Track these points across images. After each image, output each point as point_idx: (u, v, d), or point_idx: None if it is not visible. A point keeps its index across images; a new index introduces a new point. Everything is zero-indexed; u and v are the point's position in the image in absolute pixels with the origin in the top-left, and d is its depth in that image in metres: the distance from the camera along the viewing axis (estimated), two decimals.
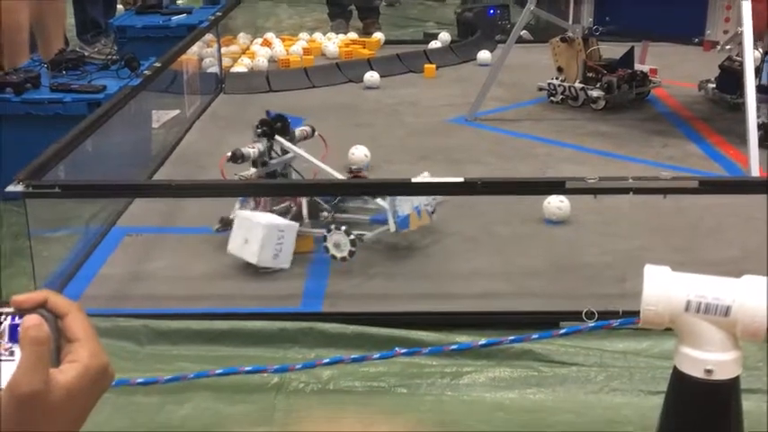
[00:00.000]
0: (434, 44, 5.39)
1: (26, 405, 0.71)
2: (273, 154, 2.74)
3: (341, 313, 2.23)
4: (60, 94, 3.07)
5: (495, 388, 1.92)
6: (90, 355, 0.76)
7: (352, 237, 2.45)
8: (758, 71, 3.50)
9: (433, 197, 2.64)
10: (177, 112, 3.85)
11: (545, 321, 2.16)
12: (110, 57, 3.40)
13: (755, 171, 2.97)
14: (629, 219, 2.71)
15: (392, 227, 2.55)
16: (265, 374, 1.87)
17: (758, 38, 3.45)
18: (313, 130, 2.93)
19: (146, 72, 3.21)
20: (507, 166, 3.38)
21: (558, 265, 2.51)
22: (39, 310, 0.76)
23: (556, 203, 2.78)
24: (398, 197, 2.59)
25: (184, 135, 3.83)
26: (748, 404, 1.49)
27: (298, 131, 2.86)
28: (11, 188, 2.14)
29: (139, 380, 1.84)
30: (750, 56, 3.19)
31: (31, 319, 0.74)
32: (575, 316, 2.13)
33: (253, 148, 2.67)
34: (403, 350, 1.81)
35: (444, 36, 5.54)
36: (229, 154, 2.61)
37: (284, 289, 2.37)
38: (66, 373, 0.74)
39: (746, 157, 3.04)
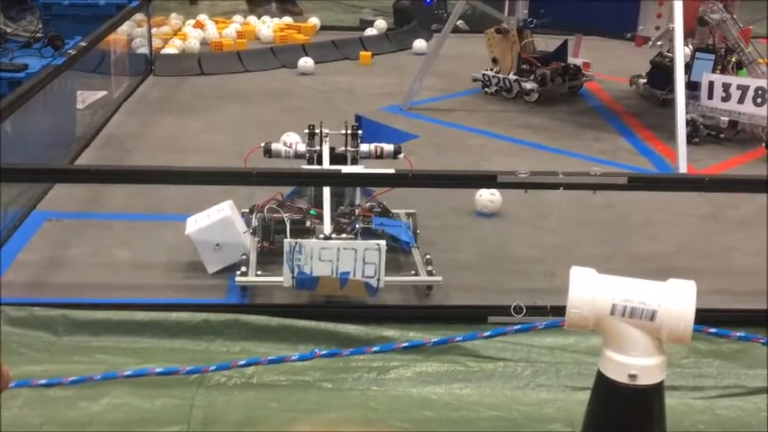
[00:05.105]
0: (370, 31, 5.35)
1: None
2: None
3: (266, 305, 2.18)
4: None
5: (422, 383, 1.89)
6: None
7: None
8: (688, 67, 3.54)
9: (381, 261, 2.10)
10: (104, 93, 3.75)
11: (474, 316, 2.15)
12: (33, 35, 3.28)
13: (683, 168, 3.01)
14: (560, 212, 2.72)
15: (286, 281, 2.13)
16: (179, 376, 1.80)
17: (689, 35, 3.49)
18: (396, 152, 2.46)
19: (70, 51, 3.11)
20: (440, 157, 3.37)
21: (488, 259, 2.50)
22: None
23: (487, 196, 2.78)
24: (309, 243, 2.09)
25: (111, 117, 3.72)
26: (671, 401, 1.49)
27: (365, 147, 2.45)
28: None
29: (42, 381, 1.76)
30: (681, 52, 3.23)
31: None
32: (503, 310, 2.13)
33: (289, 147, 2.43)
34: (323, 351, 1.76)
35: (380, 23, 5.51)
36: (263, 144, 2.43)
37: (209, 280, 2.31)
38: None
39: (675, 153, 3.07)
